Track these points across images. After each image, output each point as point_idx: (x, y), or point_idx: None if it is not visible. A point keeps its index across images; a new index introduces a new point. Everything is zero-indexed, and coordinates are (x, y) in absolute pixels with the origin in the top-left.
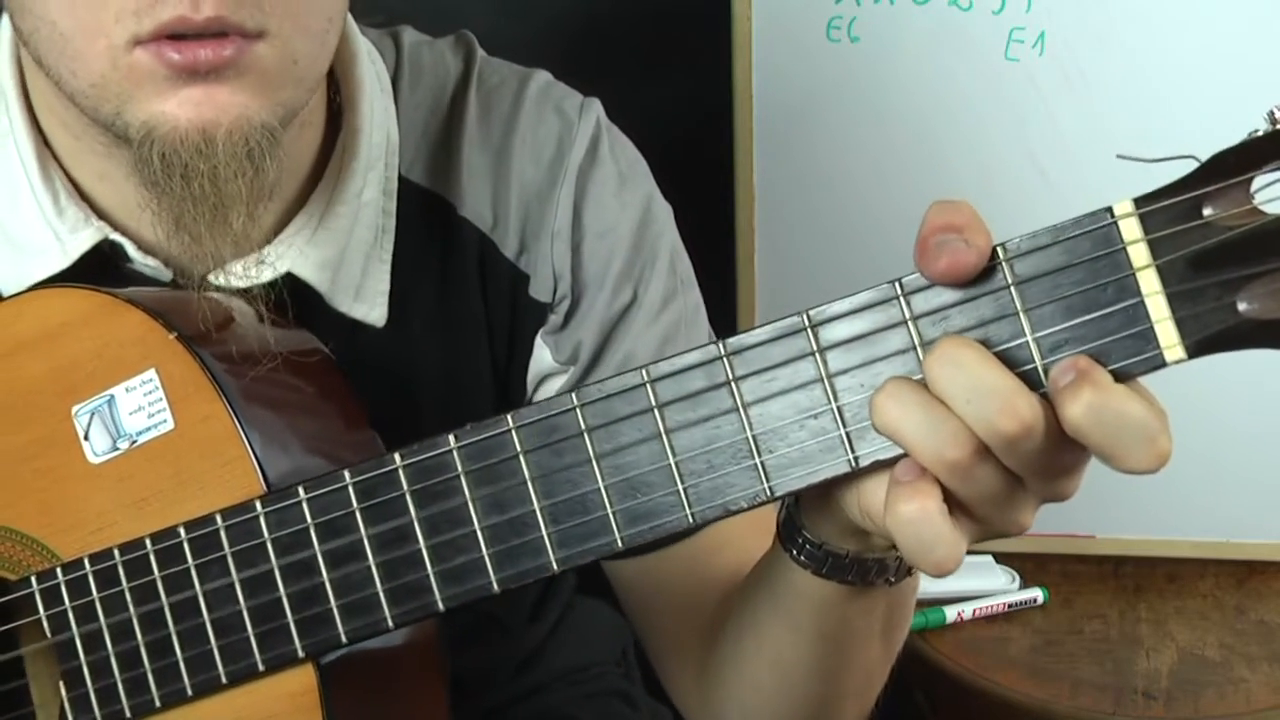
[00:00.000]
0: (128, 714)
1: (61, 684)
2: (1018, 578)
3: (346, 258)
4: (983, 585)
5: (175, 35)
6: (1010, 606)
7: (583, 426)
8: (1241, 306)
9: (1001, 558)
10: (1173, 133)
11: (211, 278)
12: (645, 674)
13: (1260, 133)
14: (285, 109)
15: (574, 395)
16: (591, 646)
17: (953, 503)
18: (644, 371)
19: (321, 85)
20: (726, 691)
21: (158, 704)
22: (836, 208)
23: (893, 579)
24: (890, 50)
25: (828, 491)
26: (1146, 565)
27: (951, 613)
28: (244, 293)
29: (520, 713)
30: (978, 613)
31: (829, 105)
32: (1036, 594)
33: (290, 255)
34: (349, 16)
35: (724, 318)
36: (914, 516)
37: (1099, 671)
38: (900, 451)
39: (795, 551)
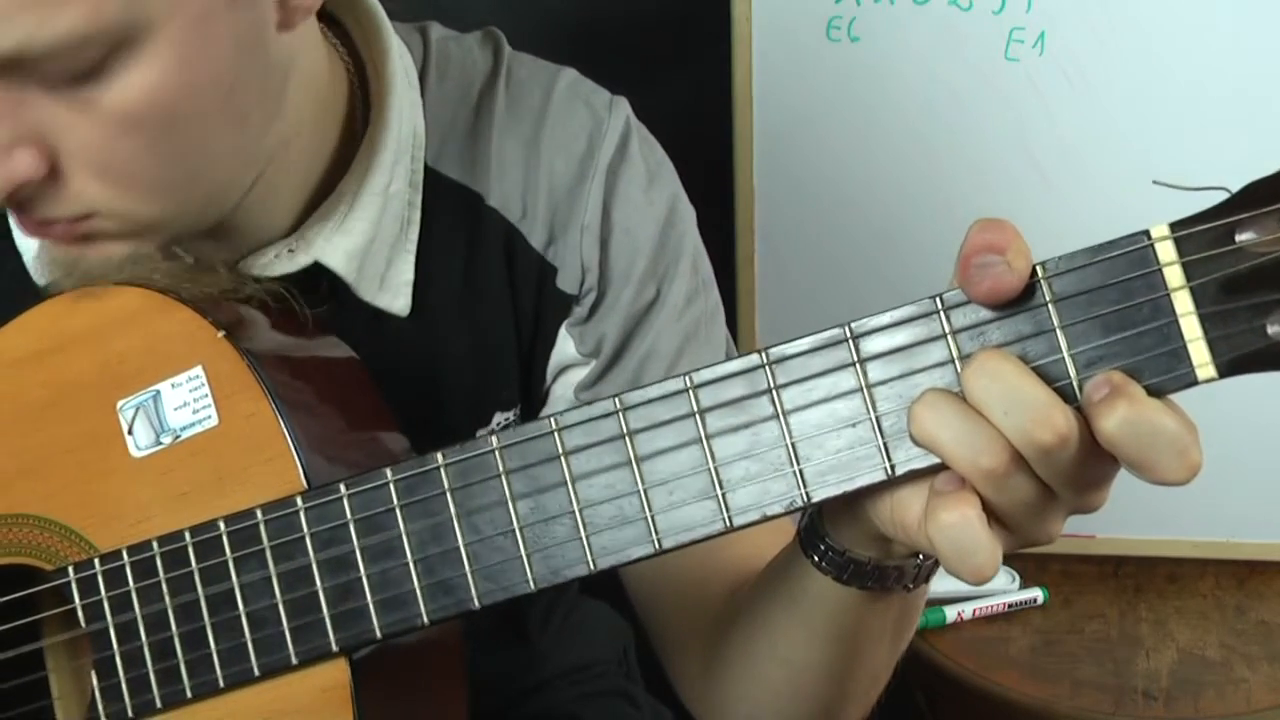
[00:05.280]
0: (159, 704)
1: (93, 673)
2: (1018, 578)
3: (372, 248)
4: (983, 585)
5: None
6: (1010, 606)
7: (624, 430)
8: (1271, 330)
9: (1002, 558)
10: (1173, 132)
11: (240, 266)
12: (646, 673)
13: None
14: (165, 240)
15: (616, 399)
16: (593, 646)
17: (988, 512)
18: (686, 378)
19: (315, 95)
20: (734, 687)
21: (189, 695)
22: (836, 208)
23: (910, 585)
24: (890, 50)
25: (853, 499)
26: (1146, 565)
27: (951, 613)
28: (270, 281)
29: (522, 712)
30: (978, 613)
31: (829, 105)
32: (1036, 594)
33: (318, 244)
34: (380, 11)
35: (724, 317)
36: (954, 523)
37: (1099, 671)
38: (935, 461)
39: (817, 557)
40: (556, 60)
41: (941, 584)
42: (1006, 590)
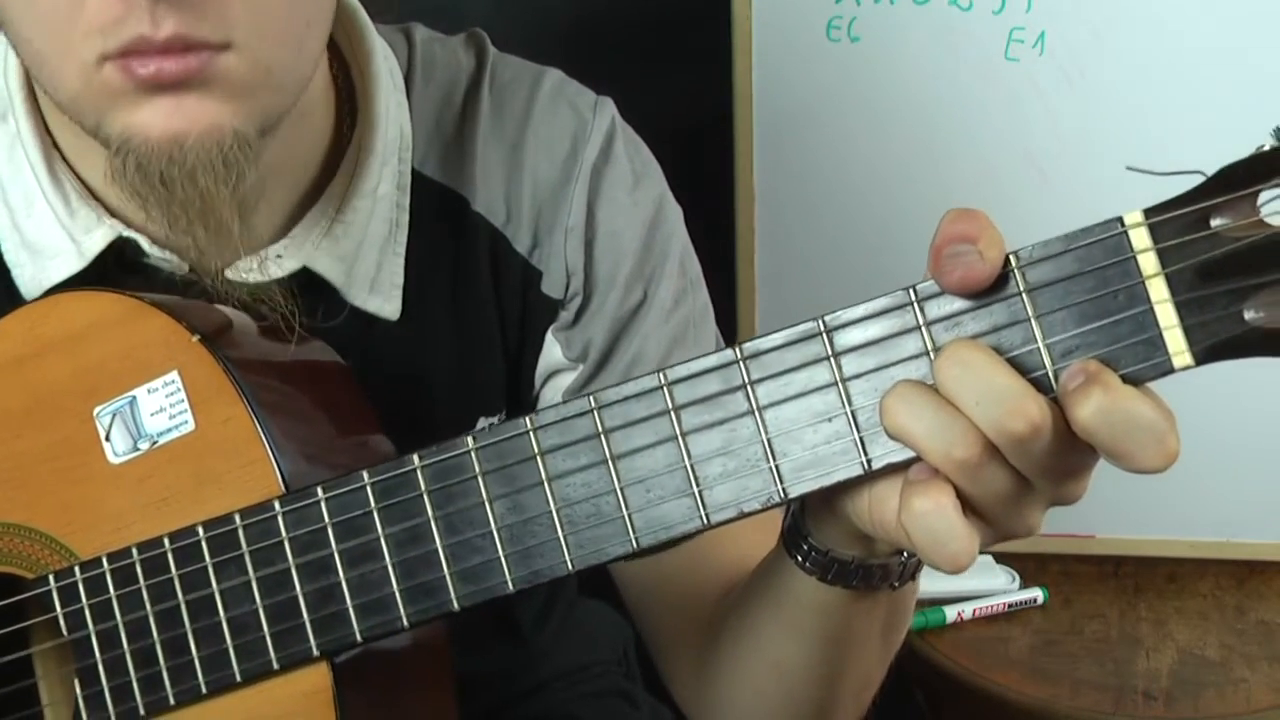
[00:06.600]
0: (142, 711)
1: (76, 681)
2: (1018, 578)
3: (362, 251)
4: (983, 585)
5: (140, 51)
6: (1010, 606)
7: (600, 429)
8: (1248, 315)
9: (1001, 558)
10: (1173, 132)
11: (229, 273)
12: (646, 673)
13: (1267, 147)
14: (262, 116)
15: (592, 398)
16: (592, 646)
17: (964, 503)
18: (661, 374)
19: (324, 77)
20: (726, 689)
21: (172, 702)
22: (836, 207)
23: (896, 584)
24: (890, 50)
25: (833, 498)
26: (1146, 565)
27: (951, 613)
28: (261, 287)
29: (521, 712)
30: (978, 613)
31: (829, 105)
32: (1036, 594)
33: (306, 249)
34: (363, 12)
35: (724, 318)
36: (927, 510)
37: (1099, 671)
38: (912, 455)
39: (800, 558)
40: (556, 62)
41: (941, 584)
42: (1006, 590)
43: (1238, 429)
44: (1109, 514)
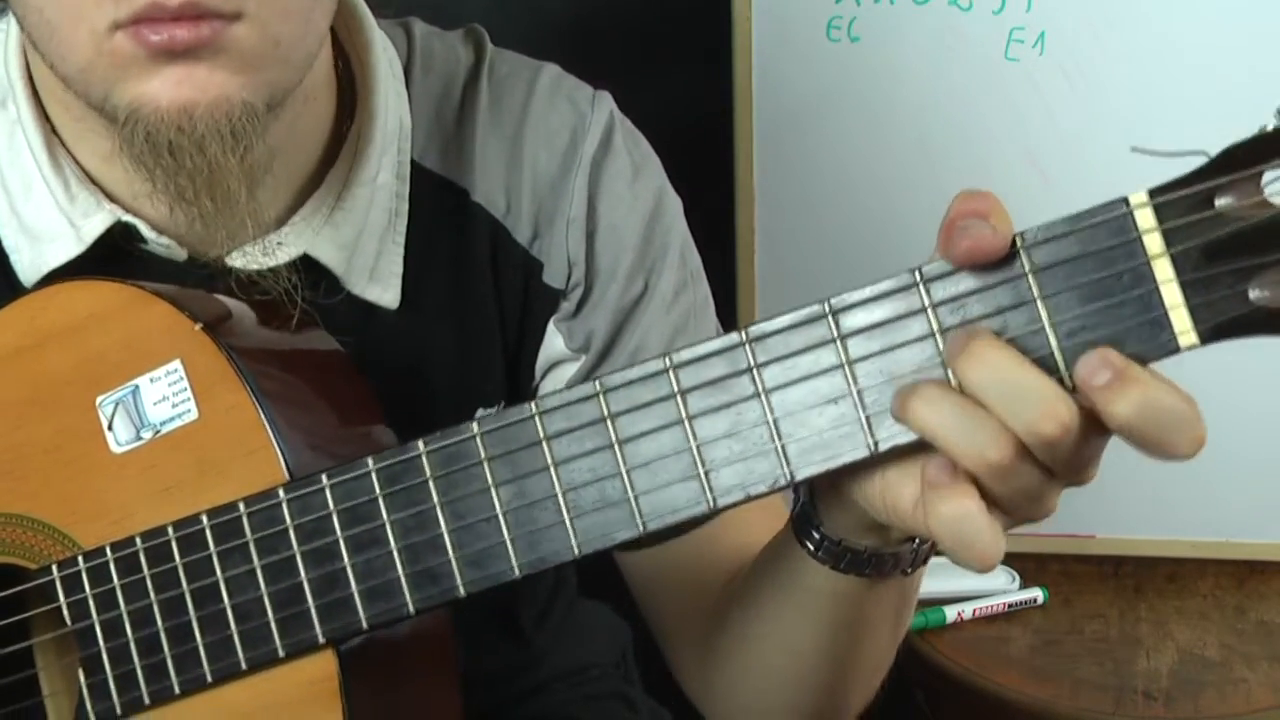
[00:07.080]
0: (147, 701)
1: (80, 671)
2: (1018, 578)
3: (362, 240)
4: (983, 585)
5: (153, 18)
6: (1010, 606)
7: (605, 413)
8: (1253, 295)
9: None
10: (1173, 132)
11: (228, 260)
12: (645, 675)
13: (1271, 128)
14: (270, 89)
15: (597, 382)
16: (591, 648)
17: (987, 498)
18: (667, 358)
19: (326, 65)
20: (733, 675)
21: (177, 690)
22: (836, 207)
23: (908, 570)
24: (890, 50)
25: (843, 486)
26: (1146, 565)
27: (951, 613)
28: (260, 275)
29: (520, 713)
30: (978, 613)
31: (829, 105)
32: (1036, 594)
33: (306, 236)
34: (362, 4)
35: (724, 317)
36: (955, 514)
37: (1099, 671)
38: (917, 437)
39: (812, 546)
40: (555, 60)
41: (941, 584)
42: (1006, 590)
43: (1238, 429)
44: (1109, 514)
